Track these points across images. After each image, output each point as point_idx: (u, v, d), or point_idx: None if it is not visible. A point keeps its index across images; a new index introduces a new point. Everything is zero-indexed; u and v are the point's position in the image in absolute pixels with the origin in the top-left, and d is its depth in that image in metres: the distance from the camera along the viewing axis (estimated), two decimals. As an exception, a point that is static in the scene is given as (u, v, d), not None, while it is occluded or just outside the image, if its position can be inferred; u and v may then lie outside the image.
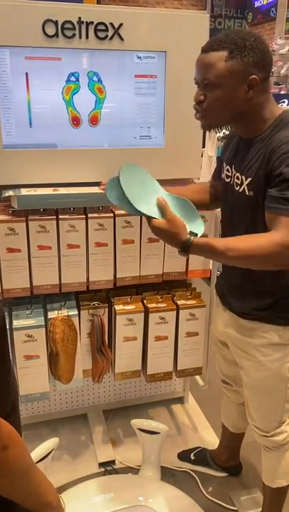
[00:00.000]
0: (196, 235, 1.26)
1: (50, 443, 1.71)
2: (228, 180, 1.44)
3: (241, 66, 1.20)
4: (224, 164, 1.48)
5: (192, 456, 2.02)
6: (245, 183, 1.33)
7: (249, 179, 1.31)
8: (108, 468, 1.97)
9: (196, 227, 1.31)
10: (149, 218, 1.27)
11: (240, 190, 1.35)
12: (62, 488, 1.81)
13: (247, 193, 1.32)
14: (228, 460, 1.96)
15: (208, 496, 1.86)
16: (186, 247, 1.23)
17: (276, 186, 1.20)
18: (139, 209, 1.26)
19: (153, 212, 1.28)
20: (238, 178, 1.37)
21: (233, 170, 1.41)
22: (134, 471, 1.94)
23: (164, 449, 1.89)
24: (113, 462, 2.00)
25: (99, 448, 2.05)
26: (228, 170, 1.45)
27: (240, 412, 1.78)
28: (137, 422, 1.85)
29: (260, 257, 1.18)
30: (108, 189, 1.36)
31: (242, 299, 1.46)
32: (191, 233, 1.25)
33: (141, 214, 1.29)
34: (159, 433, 1.81)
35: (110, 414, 2.28)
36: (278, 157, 1.20)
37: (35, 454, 1.63)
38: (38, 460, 1.63)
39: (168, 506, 1.61)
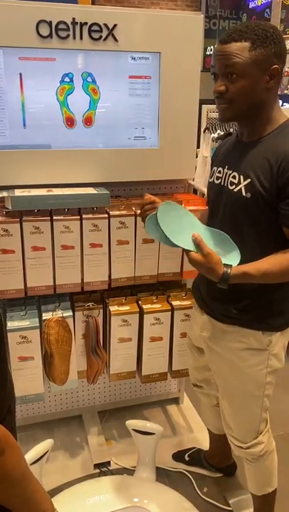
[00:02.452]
0: (231, 266, 1.28)
1: (45, 444, 1.70)
2: (218, 181, 1.42)
3: (265, 56, 1.20)
4: (214, 168, 1.47)
5: (187, 457, 2.02)
6: (243, 183, 1.30)
7: (248, 180, 1.29)
8: (103, 469, 1.97)
9: (232, 259, 1.32)
10: (187, 251, 1.30)
11: (236, 190, 1.32)
12: (58, 490, 1.80)
13: (244, 193, 1.30)
14: (221, 461, 1.96)
15: (203, 497, 1.86)
16: (224, 280, 1.26)
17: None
18: (176, 243, 1.31)
19: (190, 245, 1.31)
20: (234, 177, 1.34)
21: (227, 169, 1.38)
22: (130, 471, 1.94)
23: (159, 450, 1.89)
24: (108, 463, 1.99)
25: (94, 449, 2.05)
26: (219, 172, 1.43)
27: (216, 413, 1.76)
28: (132, 423, 1.85)
29: None
30: (148, 226, 1.41)
31: (222, 301, 1.42)
32: (226, 265, 1.27)
33: (179, 247, 1.32)
34: (154, 434, 1.82)
35: (105, 415, 2.27)
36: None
37: (30, 455, 1.62)
38: (33, 461, 1.62)
39: (163, 507, 1.61)
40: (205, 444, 2.09)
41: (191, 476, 1.95)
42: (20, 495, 0.80)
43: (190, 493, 1.85)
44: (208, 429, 1.93)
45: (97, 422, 2.20)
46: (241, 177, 1.31)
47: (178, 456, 2.04)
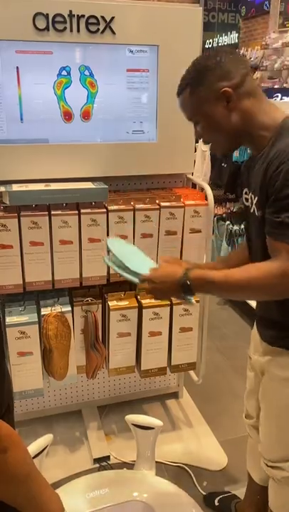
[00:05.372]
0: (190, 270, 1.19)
1: (44, 439, 1.70)
2: (246, 203, 1.30)
3: (207, 90, 1.17)
4: (242, 189, 1.36)
5: (217, 502, 1.79)
6: (254, 202, 1.21)
7: (256, 198, 1.20)
8: (103, 463, 1.98)
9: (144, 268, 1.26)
10: (138, 276, 1.24)
11: (252, 211, 1.23)
12: (57, 484, 1.80)
13: (256, 213, 1.20)
14: None
15: (203, 491, 1.87)
16: (185, 284, 1.16)
17: (270, 207, 1.11)
18: (127, 265, 1.26)
19: (143, 270, 1.25)
20: (251, 198, 1.24)
21: (246, 189, 1.29)
22: (129, 466, 1.94)
23: (159, 444, 1.89)
24: (108, 458, 2.00)
25: (93, 444, 2.05)
26: (246, 192, 1.31)
27: None
28: (131, 418, 1.85)
29: (260, 286, 1.11)
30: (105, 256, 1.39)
31: (270, 327, 1.33)
32: (186, 271, 1.19)
33: (131, 273, 1.26)
34: (153, 428, 1.81)
35: (105, 410, 2.28)
36: (272, 172, 1.09)
37: (30, 450, 1.62)
38: (32, 456, 1.62)
39: (163, 501, 1.61)
40: (205, 440, 2.09)
41: (190, 471, 1.96)
42: (25, 494, 0.78)
43: (189, 487, 1.86)
44: (249, 477, 1.64)
45: (97, 417, 2.21)
46: (252, 195, 1.23)
47: (208, 498, 1.83)
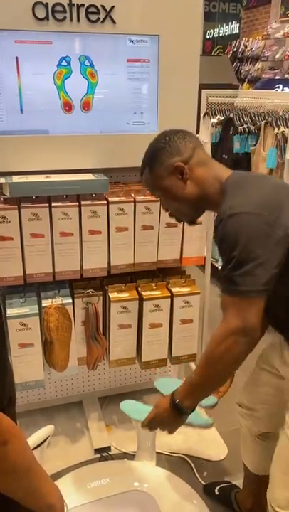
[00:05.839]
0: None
1: (45, 430, 1.71)
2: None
3: (162, 167, 1.26)
4: None
5: (217, 491, 1.80)
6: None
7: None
8: (104, 454, 1.99)
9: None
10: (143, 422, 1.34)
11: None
12: (58, 475, 1.82)
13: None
14: (253, 509, 1.65)
15: (203, 481, 1.88)
16: (175, 404, 1.20)
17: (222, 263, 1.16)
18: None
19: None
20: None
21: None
22: (130, 456, 1.95)
23: (159, 435, 1.90)
24: (108, 448, 2.01)
25: (94, 434, 2.07)
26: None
27: (259, 447, 1.53)
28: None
29: (222, 354, 1.10)
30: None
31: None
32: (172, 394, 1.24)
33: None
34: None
35: (105, 401, 2.29)
36: (217, 235, 1.15)
37: (31, 441, 1.63)
38: (34, 447, 1.63)
39: (163, 491, 1.62)
40: (204, 434, 2.09)
41: (190, 461, 1.97)
42: (26, 486, 0.78)
43: (190, 477, 1.87)
44: (244, 466, 1.64)
45: (98, 408, 2.22)
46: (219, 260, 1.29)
47: (208, 488, 1.84)
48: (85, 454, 2.00)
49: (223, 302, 1.12)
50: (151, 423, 1.29)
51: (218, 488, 1.80)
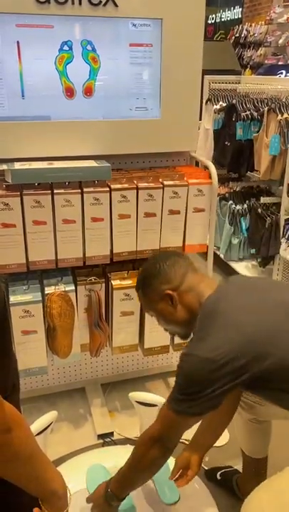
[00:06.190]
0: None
1: (49, 416, 1.72)
2: None
3: (153, 292, 1.34)
4: None
5: (218, 476, 1.80)
6: None
7: None
8: (107, 439, 2.01)
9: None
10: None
11: None
12: (62, 460, 1.84)
13: None
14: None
15: (205, 466, 1.90)
16: (108, 493, 1.32)
17: None
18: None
19: None
20: None
21: None
22: (132, 442, 1.96)
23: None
24: (111, 434, 2.03)
25: (97, 420, 2.09)
26: None
27: (253, 430, 1.57)
28: (134, 395, 1.87)
29: (142, 454, 1.25)
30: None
31: None
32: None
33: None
34: (156, 405, 1.83)
35: (108, 388, 2.30)
36: None
37: (35, 427, 1.64)
38: (37, 433, 1.65)
39: (165, 476, 1.64)
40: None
41: (192, 446, 1.99)
42: (29, 473, 0.79)
43: (192, 462, 1.89)
44: (241, 450, 1.67)
45: (100, 394, 2.23)
46: None
47: (210, 473, 1.83)
48: (88, 439, 2.02)
49: (162, 408, 1.26)
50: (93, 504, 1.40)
51: (219, 473, 1.82)
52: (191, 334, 1.32)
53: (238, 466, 1.84)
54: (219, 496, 1.71)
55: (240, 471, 1.76)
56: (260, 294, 1.27)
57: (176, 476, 1.45)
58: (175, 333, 1.44)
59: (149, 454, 1.24)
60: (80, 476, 1.71)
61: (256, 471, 1.62)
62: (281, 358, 1.12)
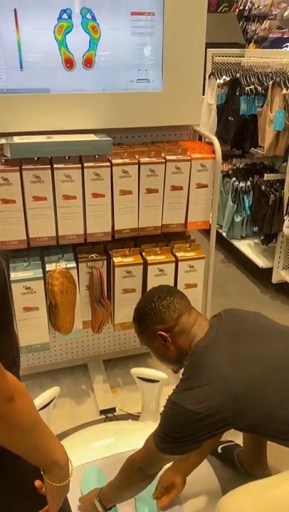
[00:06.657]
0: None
1: (51, 391, 1.74)
2: None
3: (147, 330, 1.38)
4: None
5: (220, 450, 1.82)
6: None
7: None
8: (109, 415, 2.03)
9: None
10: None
11: None
12: (64, 434, 1.86)
13: None
14: (253, 465, 1.69)
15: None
16: (97, 499, 1.42)
17: None
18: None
19: None
20: None
21: None
22: (134, 417, 1.99)
23: (164, 397, 1.93)
24: (113, 409, 2.05)
25: (99, 396, 2.10)
26: None
27: None
28: (136, 371, 1.88)
29: (129, 474, 1.35)
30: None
31: None
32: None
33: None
34: (158, 381, 1.85)
35: (110, 364, 2.32)
36: None
37: (37, 402, 1.66)
38: (40, 408, 1.66)
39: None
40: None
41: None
42: (30, 443, 0.79)
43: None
44: None
45: (102, 371, 2.25)
46: None
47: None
48: (91, 415, 2.04)
49: (149, 436, 1.30)
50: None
51: (221, 447, 1.84)
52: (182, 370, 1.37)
53: (239, 441, 1.86)
54: (220, 470, 1.74)
55: (240, 444, 1.78)
56: (251, 343, 1.30)
57: (158, 494, 1.56)
58: (168, 367, 1.49)
59: (132, 477, 1.36)
60: (83, 450, 1.74)
61: (256, 444, 1.67)
62: (264, 414, 1.19)
